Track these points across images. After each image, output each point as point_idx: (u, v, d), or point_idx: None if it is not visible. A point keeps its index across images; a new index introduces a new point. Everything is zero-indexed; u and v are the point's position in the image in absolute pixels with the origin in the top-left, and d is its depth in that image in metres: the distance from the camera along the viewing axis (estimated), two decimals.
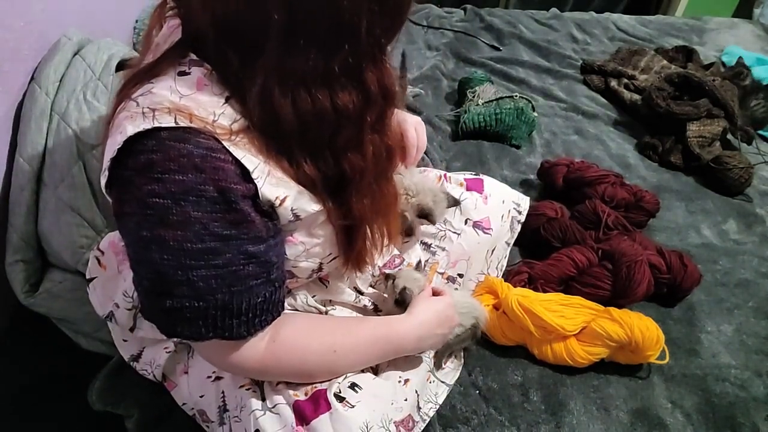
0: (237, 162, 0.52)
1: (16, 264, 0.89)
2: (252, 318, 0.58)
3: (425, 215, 0.88)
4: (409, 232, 0.94)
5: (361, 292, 0.83)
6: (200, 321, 0.56)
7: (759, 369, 0.95)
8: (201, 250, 0.52)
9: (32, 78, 0.91)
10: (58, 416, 1.00)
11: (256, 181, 0.53)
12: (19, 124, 0.89)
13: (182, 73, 0.53)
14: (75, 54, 0.98)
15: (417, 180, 0.90)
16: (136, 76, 0.55)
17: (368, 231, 0.67)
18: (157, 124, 0.50)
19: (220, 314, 0.56)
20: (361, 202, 0.62)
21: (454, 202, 0.96)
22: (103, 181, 0.54)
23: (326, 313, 0.80)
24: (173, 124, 0.50)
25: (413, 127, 0.88)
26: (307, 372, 0.68)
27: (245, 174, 0.53)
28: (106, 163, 0.52)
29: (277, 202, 0.56)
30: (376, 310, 0.85)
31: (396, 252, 0.88)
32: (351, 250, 0.67)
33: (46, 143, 0.90)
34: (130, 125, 0.50)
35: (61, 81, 0.93)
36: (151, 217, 0.51)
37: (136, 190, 0.51)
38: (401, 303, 0.80)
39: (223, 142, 0.51)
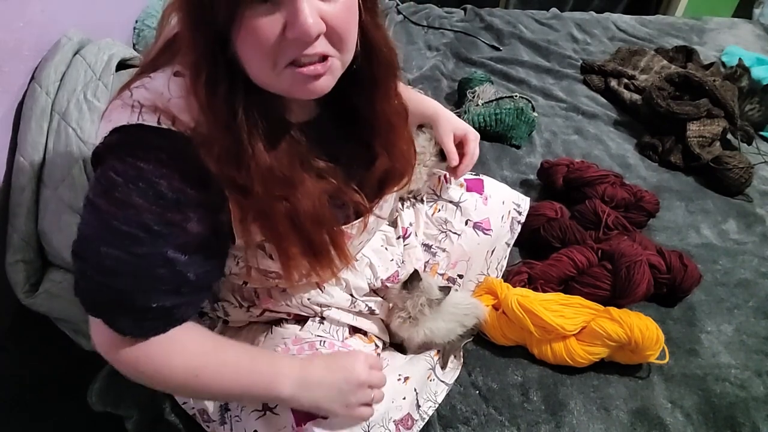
0: (205, 169, 0.53)
1: (16, 264, 0.89)
2: (139, 319, 0.58)
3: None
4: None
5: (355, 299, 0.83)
6: (93, 295, 0.57)
7: (759, 369, 0.95)
8: (125, 233, 0.53)
9: (32, 78, 0.91)
10: (58, 416, 1.00)
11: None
12: (19, 124, 0.89)
13: (178, 74, 0.55)
14: (75, 54, 0.98)
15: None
16: (143, 65, 0.58)
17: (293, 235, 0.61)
18: (140, 121, 0.52)
19: (113, 300, 0.57)
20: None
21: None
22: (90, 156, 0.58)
23: (321, 313, 0.79)
24: (155, 124, 0.52)
25: (474, 142, 0.95)
26: (169, 388, 0.65)
27: (210, 183, 0.54)
28: (97, 140, 0.56)
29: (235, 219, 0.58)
30: (372, 313, 0.85)
31: (397, 268, 0.88)
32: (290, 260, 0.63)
33: (46, 143, 0.90)
34: (116, 114, 0.54)
35: (61, 81, 0.93)
36: (100, 185, 0.54)
37: (105, 161, 0.54)
38: (406, 284, 0.81)
39: (199, 149, 0.52)
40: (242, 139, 0.53)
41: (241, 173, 0.54)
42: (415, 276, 0.81)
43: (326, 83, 0.54)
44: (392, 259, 0.88)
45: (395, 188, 0.74)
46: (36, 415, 1.00)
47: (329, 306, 0.80)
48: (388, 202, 0.77)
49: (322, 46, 0.51)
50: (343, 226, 0.69)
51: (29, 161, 0.88)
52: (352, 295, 0.82)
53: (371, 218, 0.72)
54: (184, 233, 0.55)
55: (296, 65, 0.51)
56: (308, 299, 0.77)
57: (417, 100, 0.95)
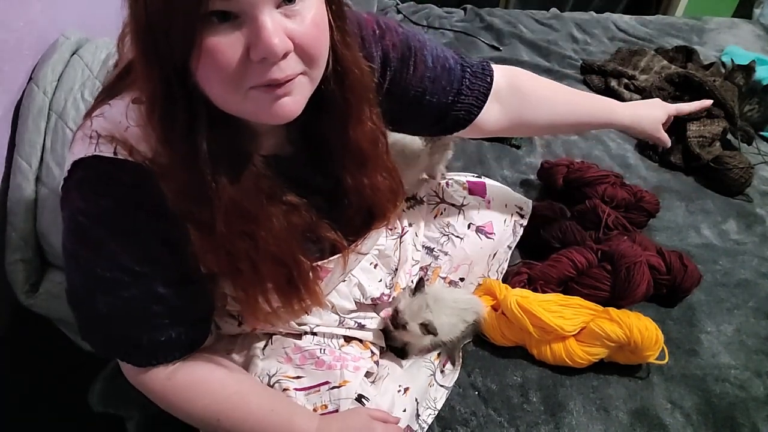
0: (165, 200, 0.51)
1: (15, 264, 0.89)
2: (153, 352, 0.59)
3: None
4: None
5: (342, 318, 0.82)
6: (100, 341, 0.58)
7: (759, 369, 0.95)
8: (109, 279, 0.53)
9: (30, 77, 0.91)
10: (58, 417, 1.00)
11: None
12: (17, 124, 0.89)
13: (137, 101, 0.52)
14: (73, 53, 0.97)
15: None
16: (104, 91, 0.57)
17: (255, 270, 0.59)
18: (97, 152, 0.51)
19: (120, 341, 0.57)
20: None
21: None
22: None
23: (311, 330, 0.78)
24: (111, 155, 0.51)
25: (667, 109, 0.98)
26: (193, 424, 0.66)
27: (173, 214, 0.52)
28: (64, 173, 0.55)
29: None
30: (362, 328, 0.84)
31: (385, 288, 0.87)
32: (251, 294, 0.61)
33: (44, 142, 0.90)
34: (77, 147, 0.53)
35: (59, 80, 0.93)
36: (73, 231, 0.53)
37: (70, 201, 0.53)
38: (426, 327, 0.80)
39: (158, 180, 0.51)
40: (205, 174, 0.49)
41: (203, 209, 0.51)
42: (431, 324, 0.80)
43: (294, 105, 0.49)
44: (380, 280, 0.87)
45: (378, 227, 0.71)
46: (35, 415, 1.00)
47: (317, 325, 0.79)
48: (371, 239, 0.75)
49: (291, 67, 0.47)
50: (320, 262, 0.67)
51: (27, 160, 0.88)
52: (338, 314, 0.81)
53: (351, 255, 0.70)
54: (165, 267, 0.55)
55: (263, 86, 0.47)
56: (294, 322, 0.76)
57: (595, 107, 0.95)
